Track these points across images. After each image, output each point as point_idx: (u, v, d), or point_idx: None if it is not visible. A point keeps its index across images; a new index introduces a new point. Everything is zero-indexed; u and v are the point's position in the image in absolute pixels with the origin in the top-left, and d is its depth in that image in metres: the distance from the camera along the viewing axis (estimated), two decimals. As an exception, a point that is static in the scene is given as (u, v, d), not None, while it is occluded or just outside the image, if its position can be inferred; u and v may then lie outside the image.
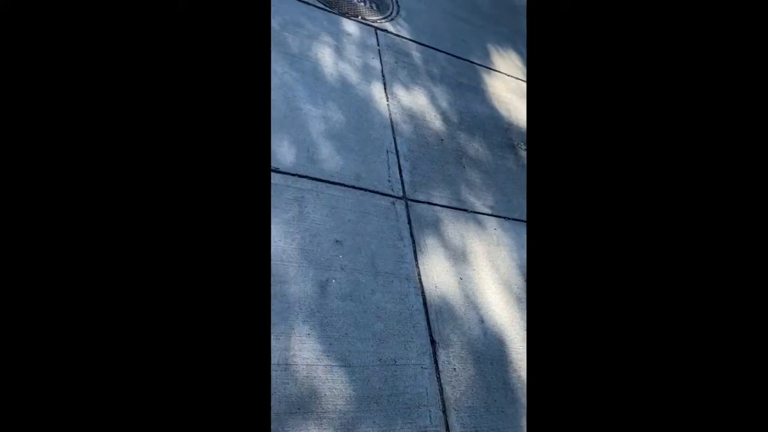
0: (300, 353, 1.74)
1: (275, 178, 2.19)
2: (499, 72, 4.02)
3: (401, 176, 2.63)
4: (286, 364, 1.69)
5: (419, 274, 2.23)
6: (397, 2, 3.95)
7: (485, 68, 3.94)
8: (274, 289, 1.85)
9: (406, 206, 2.49)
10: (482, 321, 2.22)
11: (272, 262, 1.91)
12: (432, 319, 2.10)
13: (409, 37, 3.65)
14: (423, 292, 2.17)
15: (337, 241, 2.13)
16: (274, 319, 1.77)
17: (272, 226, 2.02)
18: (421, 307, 2.12)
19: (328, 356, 1.78)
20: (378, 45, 3.35)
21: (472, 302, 2.27)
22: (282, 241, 1.99)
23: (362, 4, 3.62)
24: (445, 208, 2.63)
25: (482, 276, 2.41)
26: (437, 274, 2.28)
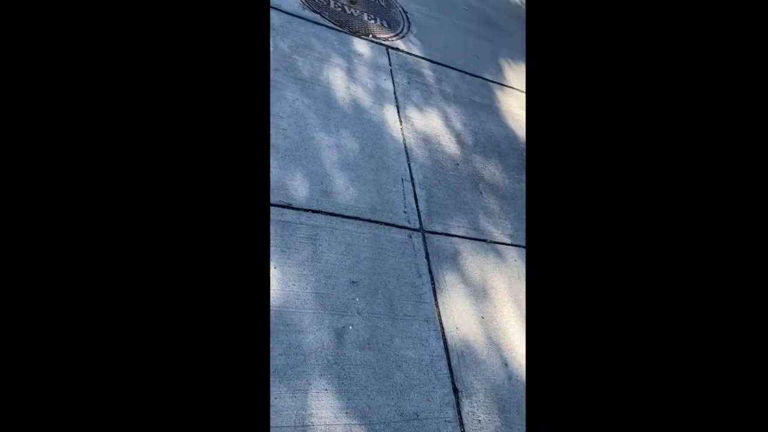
0: (317, 412, 1.63)
1: (288, 215, 2.08)
2: (512, 88, 3.91)
3: (417, 206, 2.52)
4: (303, 426, 1.58)
5: (439, 315, 2.12)
6: (407, 18, 3.85)
7: (498, 84, 3.83)
8: (289, 339, 1.74)
9: (424, 239, 2.39)
10: (506, 364, 2.11)
11: (287, 310, 1.80)
12: (454, 365, 1.99)
13: (420, 54, 3.54)
14: (444, 335, 2.06)
15: (353, 282, 2.02)
16: (289, 373, 1.66)
17: (286, 269, 1.91)
18: (443, 351, 2.01)
19: (347, 414, 1.67)
20: (390, 65, 3.25)
21: (494, 344, 2.15)
22: (296, 286, 1.89)
23: (373, 21, 3.52)
24: (463, 239, 2.52)
25: (504, 314, 2.30)
26: (458, 314, 2.17)
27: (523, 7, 5.49)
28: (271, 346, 1.69)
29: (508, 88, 3.88)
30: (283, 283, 1.87)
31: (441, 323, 2.10)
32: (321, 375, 1.71)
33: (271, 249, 1.94)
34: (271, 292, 1.82)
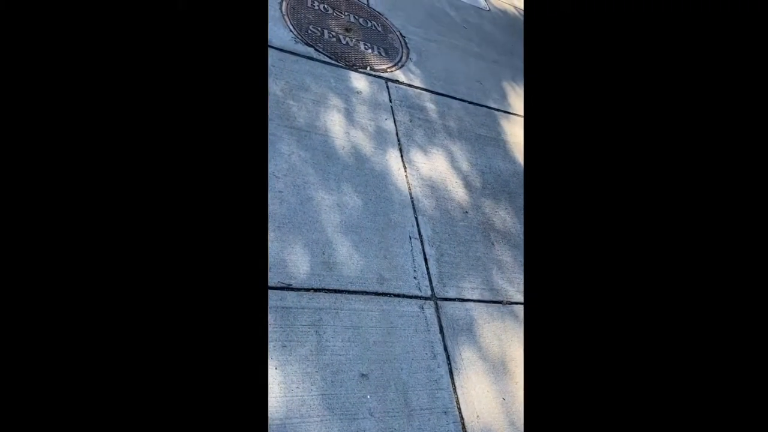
0: None
1: (289, 298, 1.86)
2: (517, 115, 3.71)
3: (427, 268, 2.31)
4: None
5: (458, 402, 1.92)
6: (406, 44, 3.62)
7: (503, 113, 3.62)
8: (295, 459, 1.53)
9: (436, 309, 2.18)
10: (532, 455, 1.92)
11: (291, 421, 1.59)
12: (477, 465, 1.79)
13: (421, 86, 3.32)
14: (464, 428, 1.87)
15: (362, 374, 1.81)
16: (296, 505, 1.46)
17: (288, 368, 1.70)
18: (464, 449, 1.81)
19: None
20: (390, 101, 3.02)
21: (518, 430, 1.96)
22: (300, 388, 1.67)
23: (370, 51, 3.29)
24: (478, 304, 2.32)
25: (526, 390, 2.11)
26: (477, 398, 1.97)
27: (521, 18, 5.29)
28: (274, 471, 1.48)
29: (513, 116, 3.67)
30: (285, 387, 1.65)
31: (460, 413, 1.90)
32: (332, 501, 1.51)
33: (272, 344, 1.72)
34: (273, 400, 1.61)
